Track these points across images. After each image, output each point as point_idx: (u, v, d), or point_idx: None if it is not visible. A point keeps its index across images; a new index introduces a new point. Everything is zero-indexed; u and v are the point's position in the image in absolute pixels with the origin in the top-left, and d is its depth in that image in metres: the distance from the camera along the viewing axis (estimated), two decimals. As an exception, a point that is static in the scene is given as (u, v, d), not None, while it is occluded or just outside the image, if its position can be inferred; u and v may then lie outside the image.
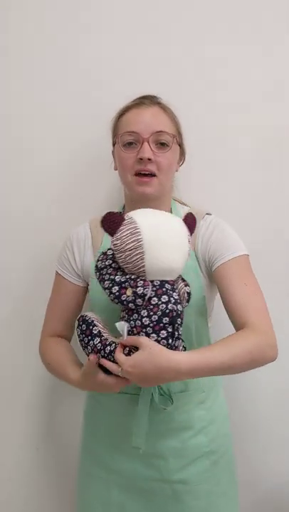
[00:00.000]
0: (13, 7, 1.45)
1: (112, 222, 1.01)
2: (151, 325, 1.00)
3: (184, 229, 1.05)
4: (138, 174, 1.16)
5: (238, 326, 1.09)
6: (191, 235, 1.06)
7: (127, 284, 1.02)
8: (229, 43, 1.43)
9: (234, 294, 1.10)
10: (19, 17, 1.45)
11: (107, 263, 1.06)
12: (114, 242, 1.02)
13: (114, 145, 1.23)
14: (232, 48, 1.43)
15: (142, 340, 0.98)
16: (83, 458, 1.29)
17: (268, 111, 1.44)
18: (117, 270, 1.04)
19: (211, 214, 1.25)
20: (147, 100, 1.21)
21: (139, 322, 1.01)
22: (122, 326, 1.02)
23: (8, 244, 1.50)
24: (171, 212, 1.25)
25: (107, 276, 1.04)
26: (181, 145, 1.24)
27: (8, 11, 1.45)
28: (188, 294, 1.06)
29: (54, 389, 1.53)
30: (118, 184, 1.28)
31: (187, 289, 1.06)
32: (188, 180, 1.36)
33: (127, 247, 1.00)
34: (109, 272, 1.05)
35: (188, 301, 1.06)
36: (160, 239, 1.00)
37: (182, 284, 1.06)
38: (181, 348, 1.04)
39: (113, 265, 1.05)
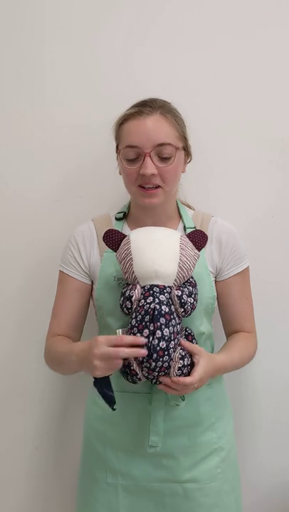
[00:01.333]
0: (14, 8, 1.45)
1: (112, 239, 1.12)
2: (136, 324, 1.03)
3: (172, 239, 1.10)
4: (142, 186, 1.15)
5: (232, 330, 1.29)
6: (198, 249, 1.11)
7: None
8: (231, 44, 1.43)
9: (235, 306, 1.27)
10: (19, 18, 1.45)
11: (123, 282, 1.15)
12: (116, 256, 1.12)
13: (117, 152, 1.21)
14: (234, 49, 1.43)
15: (199, 348, 1.08)
16: (86, 461, 1.27)
17: (270, 112, 1.44)
18: (128, 284, 1.12)
19: (213, 216, 1.27)
20: (147, 108, 1.14)
21: (129, 324, 1.05)
22: (118, 331, 1.06)
23: (9, 244, 1.51)
24: (179, 213, 1.26)
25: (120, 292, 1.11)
26: (186, 148, 1.20)
27: (8, 12, 1.45)
28: (179, 297, 1.04)
29: (53, 388, 1.54)
30: (118, 183, 1.28)
31: (177, 292, 1.05)
32: (189, 181, 1.36)
33: (122, 256, 1.10)
34: (122, 286, 1.14)
35: (181, 305, 1.05)
36: (144, 246, 1.08)
37: (174, 288, 1.06)
38: (177, 353, 1.02)
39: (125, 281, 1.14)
